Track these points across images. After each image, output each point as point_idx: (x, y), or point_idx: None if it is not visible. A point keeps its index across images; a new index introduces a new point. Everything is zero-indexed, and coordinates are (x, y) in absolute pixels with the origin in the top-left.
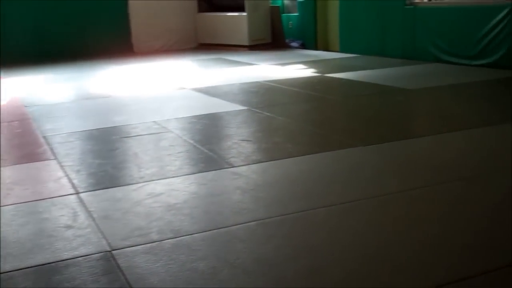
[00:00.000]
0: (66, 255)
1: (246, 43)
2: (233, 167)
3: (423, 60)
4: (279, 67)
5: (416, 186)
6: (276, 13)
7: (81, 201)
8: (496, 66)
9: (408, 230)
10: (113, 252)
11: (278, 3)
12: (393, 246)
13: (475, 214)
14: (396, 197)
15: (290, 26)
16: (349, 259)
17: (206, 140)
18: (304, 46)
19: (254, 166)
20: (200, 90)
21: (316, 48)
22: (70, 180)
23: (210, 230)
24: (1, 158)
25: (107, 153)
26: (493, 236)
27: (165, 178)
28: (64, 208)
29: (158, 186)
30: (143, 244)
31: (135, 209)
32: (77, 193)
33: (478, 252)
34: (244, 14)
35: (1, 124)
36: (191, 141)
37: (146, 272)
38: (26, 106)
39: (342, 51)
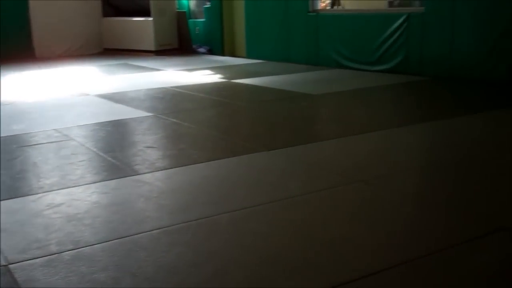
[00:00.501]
0: None
1: (153, 49)
2: (137, 174)
3: (326, 66)
4: (186, 72)
5: (319, 188)
6: (182, 18)
7: None
8: (395, 72)
9: (310, 232)
10: (10, 266)
11: (185, 9)
12: (294, 248)
13: (375, 215)
14: (299, 200)
15: (196, 32)
16: (251, 262)
17: (110, 148)
18: (211, 52)
19: (158, 173)
20: (104, 96)
21: (223, 54)
22: None
23: (112, 240)
24: None
25: (4, 163)
26: (390, 236)
27: (66, 188)
28: None
29: (58, 196)
30: (41, 257)
31: (33, 220)
32: None
33: (375, 252)
34: (150, 19)
35: None
36: (94, 149)
37: (44, 285)
38: None
39: (248, 57)
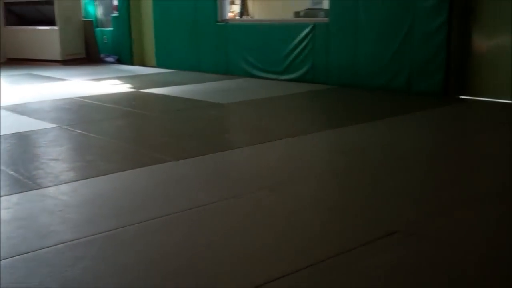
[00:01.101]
0: None
1: (59, 58)
2: (40, 188)
3: (236, 75)
4: (94, 82)
5: (226, 197)
6: (89, 27)
7: None
8: (302, 80)
9: (218, 240)
10: None
11: (92, 17)
12: (203, 258)
13: (278, 221)
14: (207, 209)
15: (104, 41)
16: (159, 274)
17: (12, 161)
18: (119, 61)
19: (63, 187)
20: (6, 108)
21: (132, 63)
22: None
23: (13, 257)
24: None
25: None
26: (291, 241)
27: None
28: None
29: None
30: None
31: None
32: None
33: (279, 257)
34: (55, 28)
35: None
36: None
37: None
38: None
39: (158, 66)
